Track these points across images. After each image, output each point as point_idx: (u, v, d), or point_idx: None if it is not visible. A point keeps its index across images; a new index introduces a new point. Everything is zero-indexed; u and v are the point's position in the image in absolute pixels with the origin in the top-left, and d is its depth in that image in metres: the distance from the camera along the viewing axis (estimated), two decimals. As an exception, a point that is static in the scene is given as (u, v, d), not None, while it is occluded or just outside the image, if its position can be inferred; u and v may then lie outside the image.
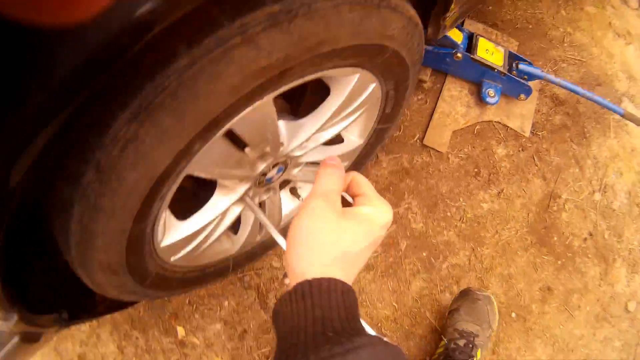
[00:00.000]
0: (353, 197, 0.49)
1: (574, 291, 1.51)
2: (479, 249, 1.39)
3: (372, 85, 0.90)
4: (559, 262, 1.49)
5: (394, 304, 1.33)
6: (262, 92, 0.65)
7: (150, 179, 0.61)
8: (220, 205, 0.88)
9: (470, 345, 1.15)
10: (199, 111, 0.58)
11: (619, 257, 1.60)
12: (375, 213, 0.44)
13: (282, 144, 0.85)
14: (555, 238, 1.50)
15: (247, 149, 0.78)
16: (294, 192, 1.24)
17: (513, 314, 1.43)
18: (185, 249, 0.91)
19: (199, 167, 0.71)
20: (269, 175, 0.92)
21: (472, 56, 1.45)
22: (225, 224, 0.96)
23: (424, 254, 1.35)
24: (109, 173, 0.56)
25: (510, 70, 1.51)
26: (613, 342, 1.58)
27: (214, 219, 0.88)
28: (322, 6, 0.60)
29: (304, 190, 1.25)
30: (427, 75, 1.45)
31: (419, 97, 1.45)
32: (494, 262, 1.40)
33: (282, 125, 0.82)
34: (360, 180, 0.48)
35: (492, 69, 1.47)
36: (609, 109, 1.56)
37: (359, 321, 0.39)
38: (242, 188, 0.89)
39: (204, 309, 1.40)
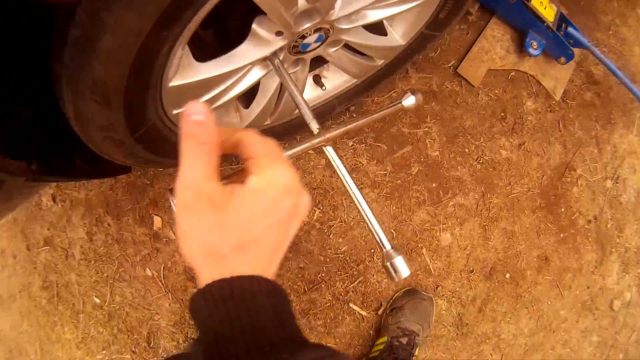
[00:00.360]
0: (244, 160, 0.37)
1: (568, 270, 1.45)
2: (488, 196, 1.30)
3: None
4: (562, 235, 1.42)
5: (392, 231, 1.22)
6: None
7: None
8: (247, 56, 0.76)
9: (412, 344, 1.14)
10: None
11: (616, 251, 1.54)
12: (268, 182, 0.34)
13: (333, 7, 0.75)
14: (563, 209, 1.43)
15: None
16: (317, 80, 1.13)
17: (507, 275, 1.35)
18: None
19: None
20: (306, 40, 0.81)
21: (526, 2, 1.38)
22: (241, 86, 0.84)
23: (434, 185, 1.25)
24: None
25: (558, 29, 1.45)
26: (592, 335, 1.52)
27: (233, 72, 0.76)
28: None
29: (329, 80, 1.14)
30: (474, 9, 1.36)
31: (462, 27, 1.36)
32: (500, 214, 1.31)
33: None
34: (248, 140, 0.36)
35: (542, 21, 1.40)
36: (642, 101, 1.52)
37: (296, 327, 0.33)
38: (276, 44, 0.77)
39: (186, 198, 1.26)
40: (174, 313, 1.22)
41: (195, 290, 0.31)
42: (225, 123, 1.00)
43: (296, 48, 0.82)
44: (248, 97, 0.99)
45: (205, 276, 0.31)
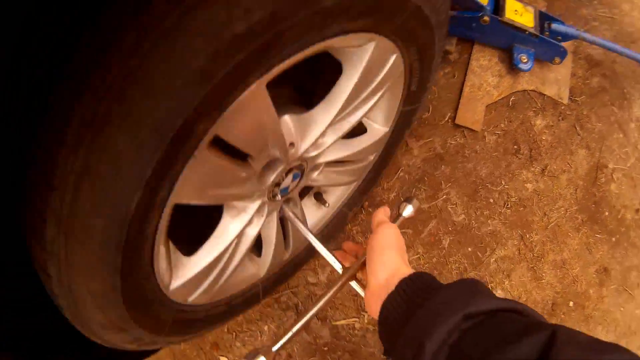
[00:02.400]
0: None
1: (631, 268, 1.36)
2: (527, 236, 1.22)
3: (393, 57, 0.68)
4: (613, 238, 1.34)
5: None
6: (247, 76, 0.45)
7: (122, 222, 0.46)
8: (232, 231, 0.70)
9: None
10: (160, 115, 0.39)
11: (673, 226, 1.45)
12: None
13: (292, 144, 0.65)
14: (607, 213, 1.34)
15: (249, 159, 0.60)
16: (318, 198, 1.07)
17: (571, 303, 1.28)
18: (202, 286, 0.73)
19: (187, 193, 0.52)
20: (283, 185, 0.74)
21: (500, 19, 1.27)
22: (242, 249, 0.77)
23: (469, 249, 1.18)
24: (70, 223, 0.43)
25: (542, 31, 1.33)
26: (673, 318, 1.45)
27: (227, 247, 0.71)
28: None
29: (330, 194, 1.08)
30: (452, 46, 1.26)
31: (446, 71, 1.26)
32: (545, 249, 1.24)
33: (288, 120, 0.62)
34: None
35: (523, 31, 1.29)
36: (650, 64, 1.40)
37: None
38: (254, 205, 0.70)
39: (244, 336, 1.24)
40: None
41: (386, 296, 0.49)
42: (245, 277, 0.95)
43: (276, 196, 0.77)
44: (258, 242, 0.95)
45: (395, 280, 0.50)
